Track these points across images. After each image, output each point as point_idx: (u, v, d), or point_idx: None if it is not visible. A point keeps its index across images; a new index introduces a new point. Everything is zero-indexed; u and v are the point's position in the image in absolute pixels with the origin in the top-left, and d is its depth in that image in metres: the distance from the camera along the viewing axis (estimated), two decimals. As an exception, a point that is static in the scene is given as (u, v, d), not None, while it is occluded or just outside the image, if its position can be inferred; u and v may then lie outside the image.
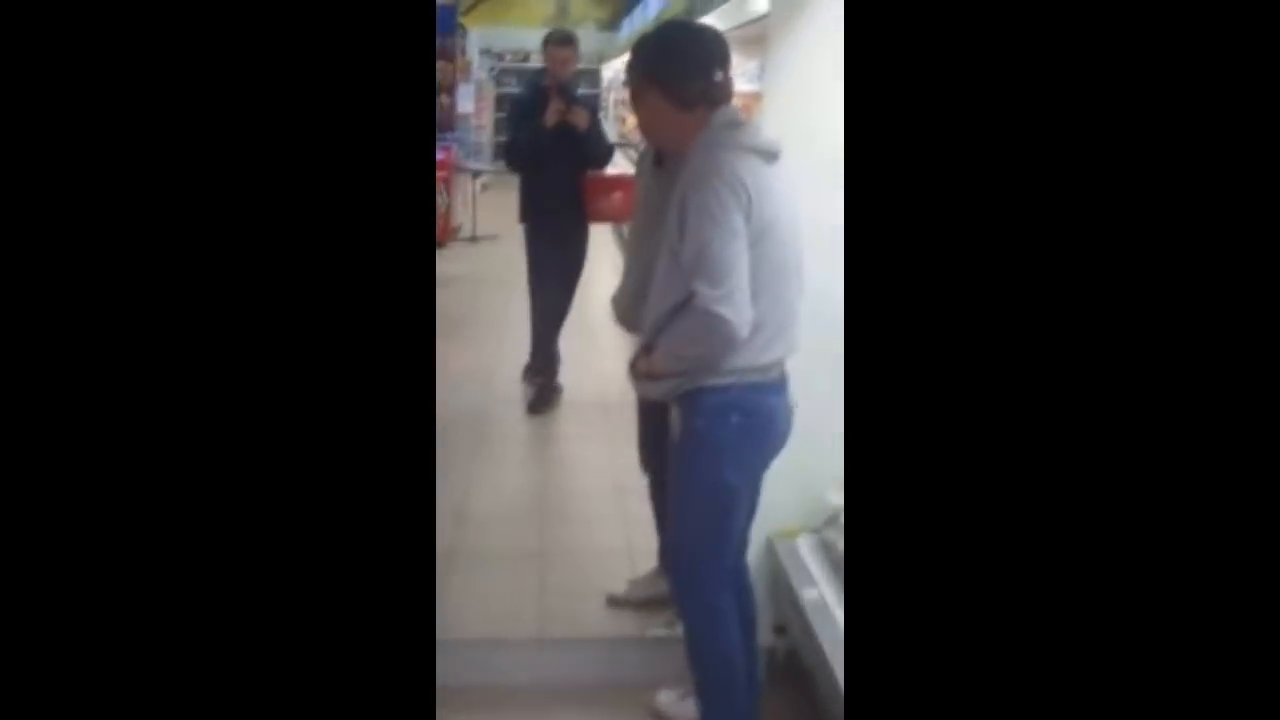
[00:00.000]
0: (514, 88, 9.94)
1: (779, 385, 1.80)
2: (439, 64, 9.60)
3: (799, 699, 2.08)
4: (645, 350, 1.80)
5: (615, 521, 3.02)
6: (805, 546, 2.15)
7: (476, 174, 8.70)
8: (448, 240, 7.84)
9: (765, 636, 2.14)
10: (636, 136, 6.60)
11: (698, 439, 1.75)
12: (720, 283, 1.60)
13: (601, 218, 3.91)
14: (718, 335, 1.62)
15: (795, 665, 2.12)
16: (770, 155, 1.75)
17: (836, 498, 2.09)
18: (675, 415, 1.80)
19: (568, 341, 4.14)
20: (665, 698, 2.10)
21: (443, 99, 9.53)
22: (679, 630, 1.95)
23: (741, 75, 3.94)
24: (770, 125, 2.09)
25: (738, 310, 1.60)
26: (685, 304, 1.65)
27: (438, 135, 9.11)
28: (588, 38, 5.53)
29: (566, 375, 4.17)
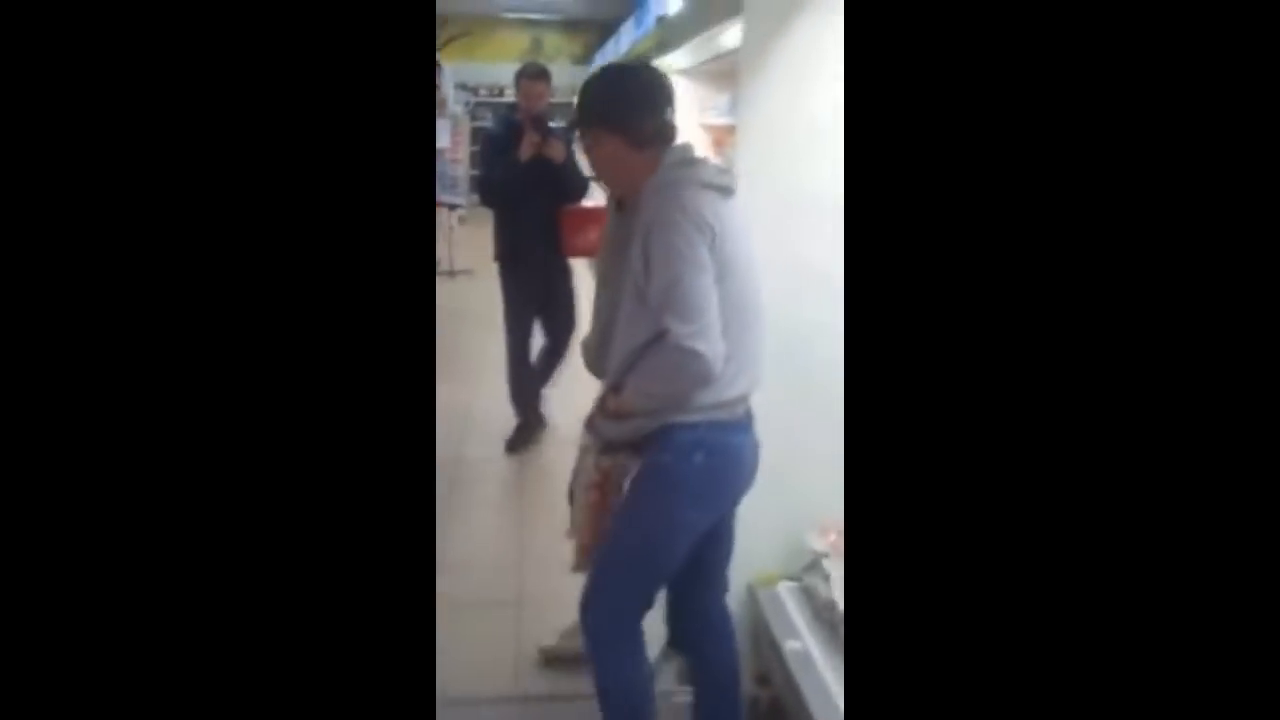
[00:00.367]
0: (489, 122, 9.97)
1: (744, 423, 1.77)
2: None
3: (785, 752, 2.01)
4: (613, 391, 1.76)
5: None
6: (787, 594, 2.08)
7: (452, 208, 8.66)
8: (424, 275, 7.78)
9: (748, 686, 2.07)
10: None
11: (660, 474, 1.72)
12: (692, 318, 1.59)
13: (579, 252, 3.86)
14: (691, 371, 1.60)
15: (779, 716, 2.05)
16: (726, 190, 1.74)
17: (817, 543, 2.03)
18: (628, 457, 1.76)
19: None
20: None
21: (417, 134, 9.50)
22: (682, 686, 1.86)
23: (713, 109, 3.93)
24: (745, 157, 2.06)
25: (711, 345, 1.59)
26: (654, 342, 1.63)
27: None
28: (561, 72, 5.51)
29: (552, 410, 4.11)
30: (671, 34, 4.69)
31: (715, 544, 1.86)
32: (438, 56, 10.96)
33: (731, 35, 2.52)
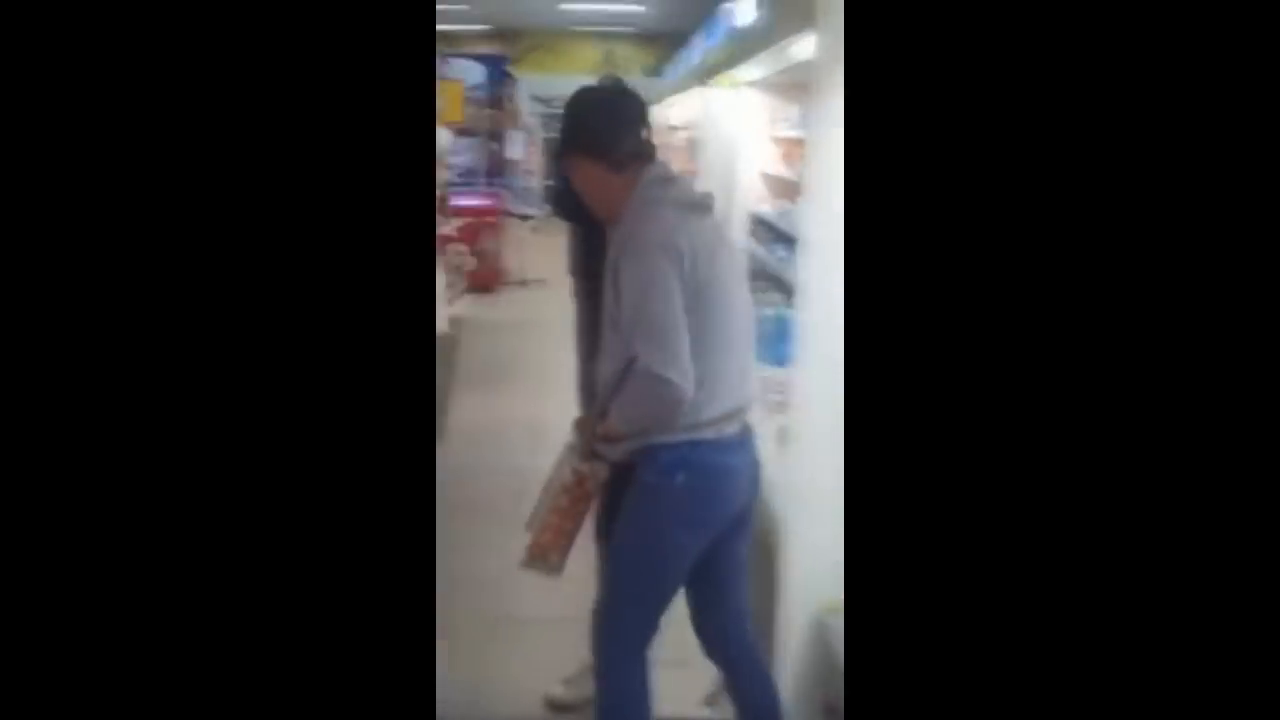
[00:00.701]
0: (563, 133, 10.04)
1: (736, 442, 1.73)
2: (490, 112, 9.78)
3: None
4: (601, 414, 1.75)
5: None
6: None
7: (525, 218, 8.77)
8: (497, 284, 7.89)
9: (814, 716, 2.02)
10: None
11: (645, 494, 1.71)
12: (660, 346, 1.58)
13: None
14: (661, 397, 1.59)
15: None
16: (703, 209, 1.73)
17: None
18: (603, 466, 1.77)
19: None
20: None
21: (492, 145, 9.67)
22: (721, 712, 1.83)
23: (784, 121, 3.89)
24: (814, 170, 2.03)
25: (681, 371, 1.58)
26: (629, 368, 1.63)
27: (488, 181, 9.24)
28: (633, 84, 5.52)
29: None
30: (743, 45, 4.67)
31: (721, 565, 1.82)
32: (512, 69, 11.13)
33: (804, 47, 2.49)
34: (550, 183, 5.23)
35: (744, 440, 1.73)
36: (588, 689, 2.32)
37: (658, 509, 1.71)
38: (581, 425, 1.82)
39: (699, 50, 6.22)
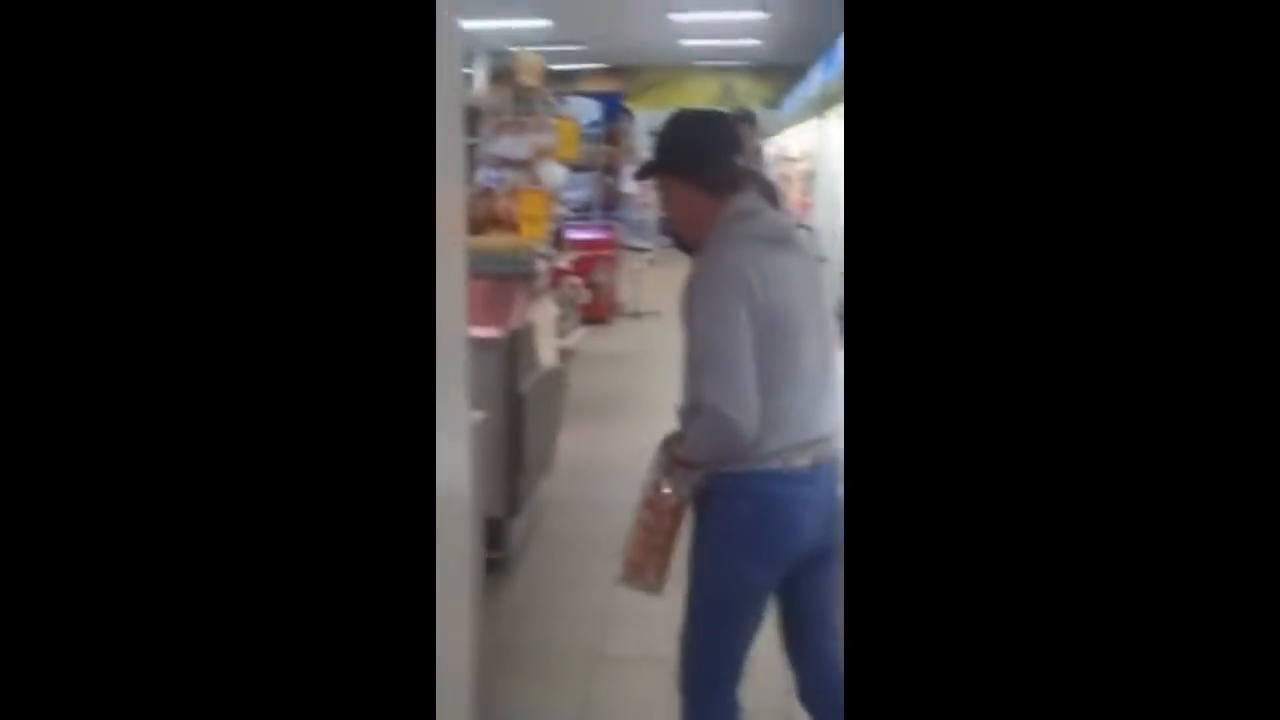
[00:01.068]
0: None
1: (807, 475, 1.69)
2: (605, 148, 9.93)
3: None
4: (679, 439, 1.77)
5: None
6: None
7: (640, 251, 8.82)
8: (611, 317, 7.93)
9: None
10: (801, 212, 6.54)
11: (710, 524, 1.72)
12: (723, 383, 1.60)
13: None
14: (723, 434, 1.61)
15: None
16: (783, 243, 1.71)
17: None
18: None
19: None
20: None
21: (607, 179, 9.80)
22: None
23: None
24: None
25: (742, 410, 1.59)
26: (699, 399, 1.65)
27: (603, 215, 9.36)
28: (750, 114, 5.51)
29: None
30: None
31: (806, 601, 1.79)
32: (629, 105, 11.28)
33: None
34: (665, 215, 5.27)
35: (816, 474, 1.69)
36: None
37: (723, 538, 1.71)
38: (665, 444, 1.83)
39: (816, 82, 6.17)
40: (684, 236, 1.84)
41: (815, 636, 1.84)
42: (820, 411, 1.72)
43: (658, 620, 2.88)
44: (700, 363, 1.64)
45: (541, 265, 4.06)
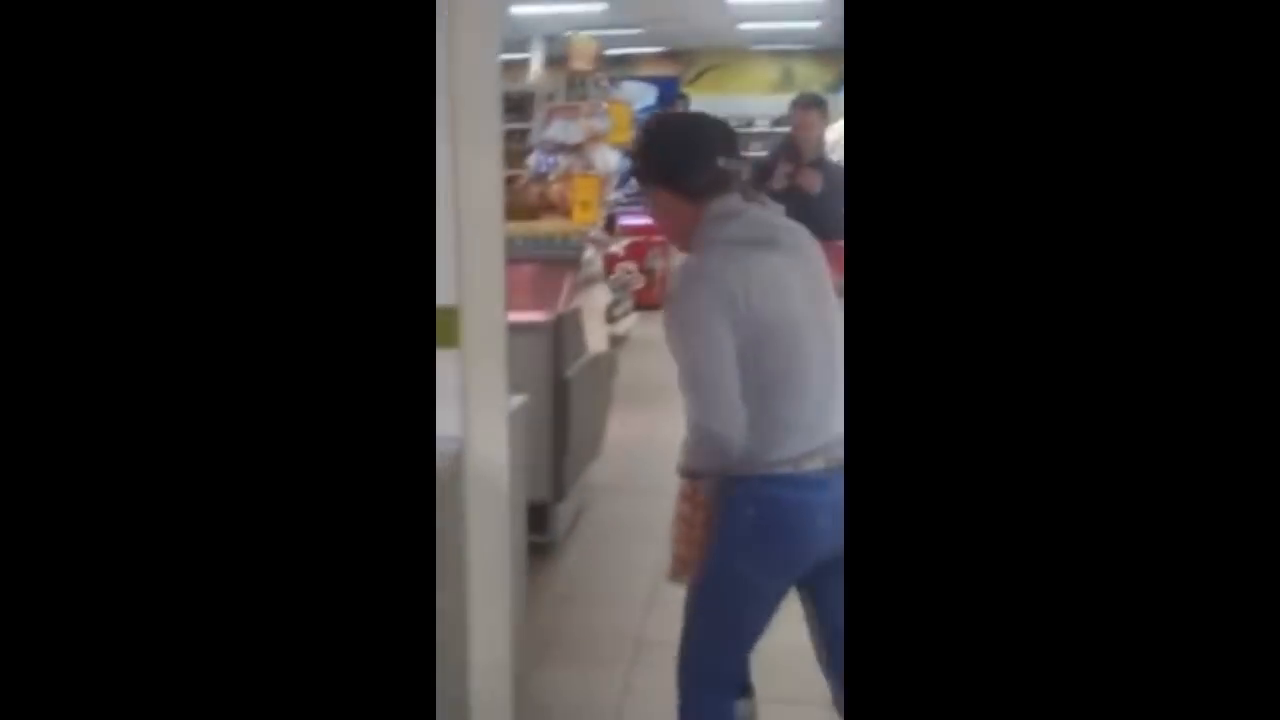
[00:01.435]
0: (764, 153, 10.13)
1: (819, 480, 1.62)
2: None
3: None
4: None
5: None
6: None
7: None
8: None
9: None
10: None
11: (719, 526, 1.68)
12: (704, 395, 1.58)
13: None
14: (705, 446, 1.60)
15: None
16: (768, 244, 1.63)
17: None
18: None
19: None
20: None
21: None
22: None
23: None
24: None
25: (724, 421, 1.57)
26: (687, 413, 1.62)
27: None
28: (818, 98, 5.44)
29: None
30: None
31: (822, 609, 1.76)
32: (686, 90, 11.20)
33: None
34: (652, 222, 5.25)
35: (829, 478, 1.62)
36: None
37: (728, 543, 1.67)
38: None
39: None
40: (673, 241, 1.79)
41: (823, 636, 1.79)
42: (832, 414, 1.65)
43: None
44: (681, 373, 1.60)
45: (590, 251, 4.05)
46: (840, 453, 1.63)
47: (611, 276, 5.15)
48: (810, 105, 3.73)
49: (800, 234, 1.72)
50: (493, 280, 2.02)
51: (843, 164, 3.48)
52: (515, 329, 2.12)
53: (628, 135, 5.31)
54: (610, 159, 5.04)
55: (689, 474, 1.69)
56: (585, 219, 4.46)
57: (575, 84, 5.18)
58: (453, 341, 1.99)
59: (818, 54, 12.71)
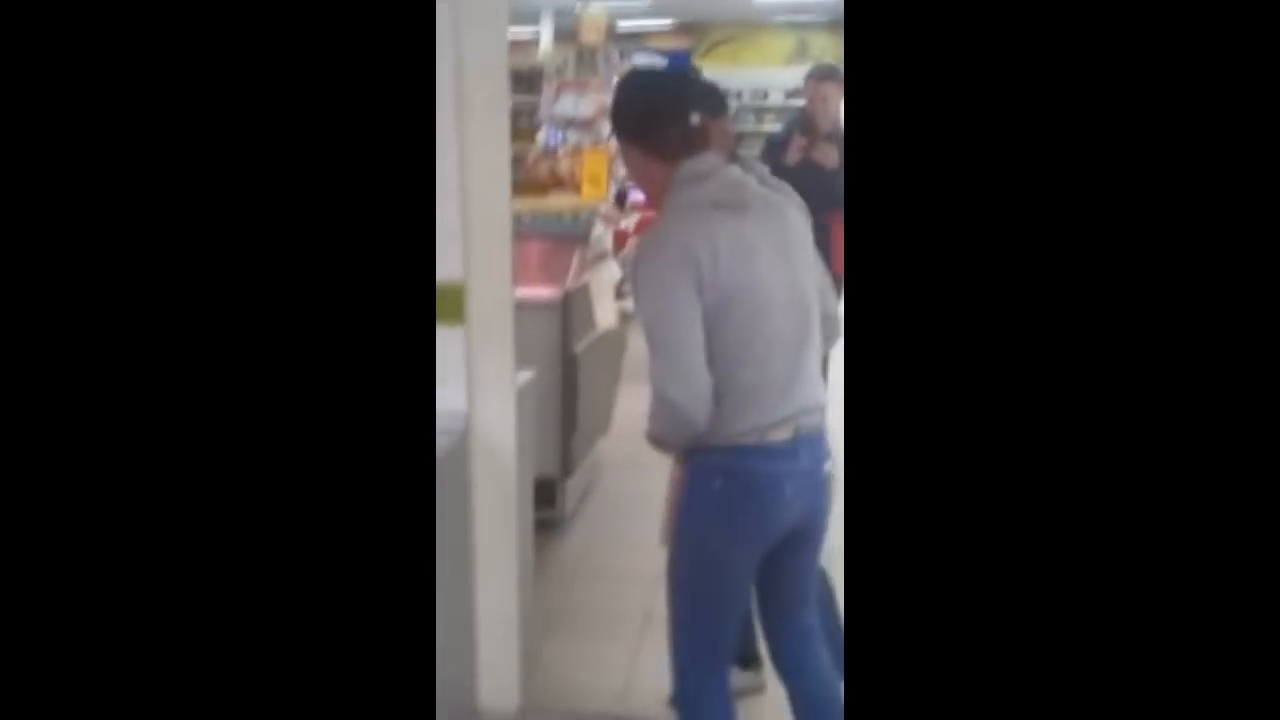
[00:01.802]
0: (750, 126, 10.01)
1: (785, 450, 1.59)
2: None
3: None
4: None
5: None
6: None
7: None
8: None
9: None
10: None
11: (687, 499, 1.66)
12: (665, 365, 1.54)
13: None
14: (666, 416, 1.57)
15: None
16: (739, 207, 1.59)
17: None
18: None
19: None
20: None
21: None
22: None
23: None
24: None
25: (687, 389, 1.53)
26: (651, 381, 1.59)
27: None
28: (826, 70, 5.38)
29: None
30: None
31: (783, 581, 1.75)
32: (698, 62, 11.10)
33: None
34: (626, 179, 5.18)
35: (796, 448, 1.60)
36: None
37: (696, 515, 1.65)
38: None
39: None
40: (648, 201, 1.75)
41: (797, 609, 1.79)
42: (800, 385, 1.62)
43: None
44: (647, 341, 1.56)
45: (600, 227, 4.03)
46: (808, 421, 1.63)
47: (621, 253, 5.13)
48: (826, 77, 3.67)
49: (776, 199, 1.68)
50: (500, 256, 2.02)
51: None
52: (524, 305, 2.11)
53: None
54: (620, 133, 5.01)
55: (655, 443, 1.67)
56: (594, 195, 4.44)
57: (585, 58, 5.13)
58: (459, 318, 1.99)
59: (833, 25, 12.56)
